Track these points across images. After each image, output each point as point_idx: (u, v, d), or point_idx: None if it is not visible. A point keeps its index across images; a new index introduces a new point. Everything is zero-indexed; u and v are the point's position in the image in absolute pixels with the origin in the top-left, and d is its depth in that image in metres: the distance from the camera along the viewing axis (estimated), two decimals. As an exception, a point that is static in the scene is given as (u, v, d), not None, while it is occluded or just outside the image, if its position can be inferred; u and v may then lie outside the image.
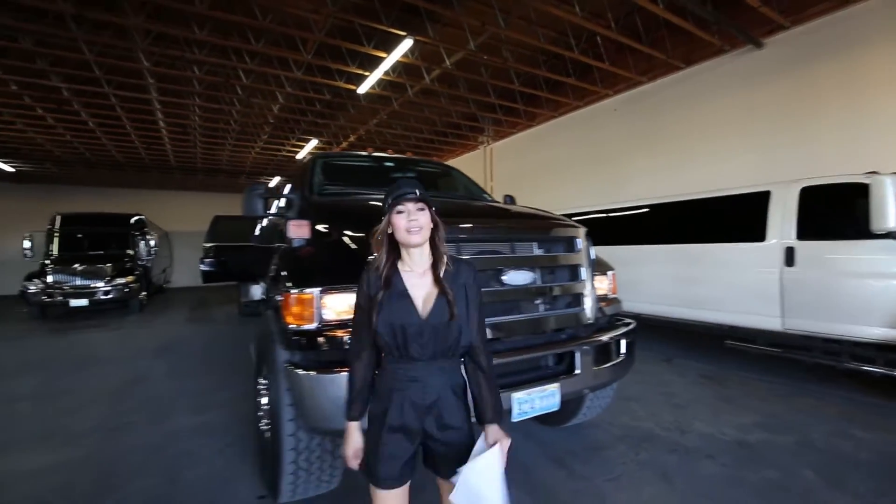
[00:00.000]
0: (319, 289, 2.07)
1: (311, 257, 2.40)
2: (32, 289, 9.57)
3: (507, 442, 1.40)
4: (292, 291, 2.09)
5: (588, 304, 2.60)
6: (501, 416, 1.47)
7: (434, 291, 1.38)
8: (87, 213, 12.28)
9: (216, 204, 20.27)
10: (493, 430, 1.42)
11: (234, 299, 13.17)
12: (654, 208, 6.13)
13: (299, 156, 14.06)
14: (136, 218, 12.34)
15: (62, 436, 3.43)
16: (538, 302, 2.44)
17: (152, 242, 12.49)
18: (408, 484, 1.43)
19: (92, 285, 9.98)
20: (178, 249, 18.10)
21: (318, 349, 2.03)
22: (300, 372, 1.96)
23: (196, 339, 7.39)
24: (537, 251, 2.56)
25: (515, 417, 2.17)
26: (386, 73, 8.02)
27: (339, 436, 1.91)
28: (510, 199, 3.95)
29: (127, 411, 3.94)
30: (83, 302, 9.82)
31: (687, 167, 8.03)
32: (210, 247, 8.71)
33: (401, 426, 1.37)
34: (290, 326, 2.08)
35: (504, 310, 2.33)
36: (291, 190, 3.70)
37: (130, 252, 11.57)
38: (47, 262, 10.17)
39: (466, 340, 1.40)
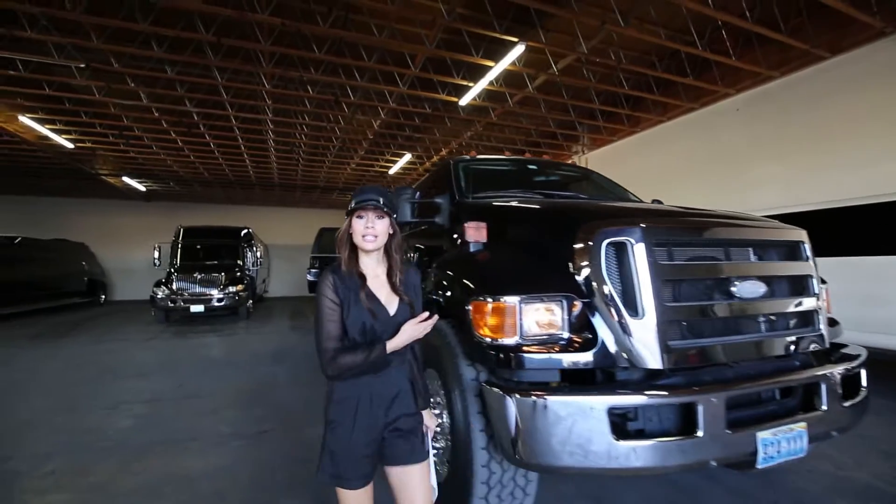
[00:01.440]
0: (520, 297, 1.79)
1: (498, 263, 2.13)
2: (160, 295, 10.52)
3: (434, 424, 1.66)
4: (488, 300, 1.83)
5: (822, 325, 2.09)
6: (427, 405, 1.63)
7: (393, 295, 1.52)
8: (204, 226, 13.45)
9: (311, 219, 21.55)
10: (426, 414, 1.61)
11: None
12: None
13: (392, 171, 14.40)
14: (245, 231, 13.28)
15: (205, 440, 3.47)
16: (767, 319, 1.98)
17: (259, 253, 13.36)
18: (372, 482, 1.48)
19: (208, 293, 10.79)
20: (274, 261, 19.30)
21: (520, 367, 1.74)
22: (500, 394, 1.68)
23: (304, 347, 7.57)
24: (754, 258, 2.10)
25: (760, 463, 1.71)
26: (490, 83, 7.87)
27: (547, 472, 1.61)
28: (658, 202, 3.49)
29: (261, 418, 3.94)
30: (200, 308, 10.63)
31: (830, 171, 6.93)
32: (316, 257, 9.08)
33: (370, 422, 1.44)
34: (485, 340, 1.82)
35: (729, 328, 1.91)
36: (427, 195, 3.55)
37: (240, 262, 12.43)
38: (172, 270, 11.19)
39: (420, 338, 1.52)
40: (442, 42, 6.91)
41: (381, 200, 1.46)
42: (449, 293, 2.21)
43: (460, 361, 1.96)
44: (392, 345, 1.44)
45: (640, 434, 1.71)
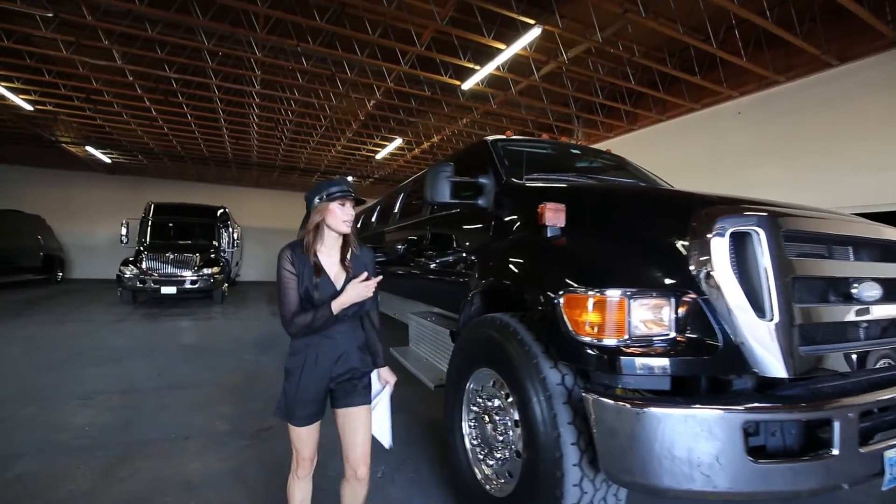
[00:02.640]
0: (629, 290, 1.52)
1: (589, 251, 1.84)
2: (128, 274, 9.78)
3: (393, 379, 1.94)
4: (588, 292, 1.55)
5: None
6: (384, 360, 1.94)
7: (342, 271, 1.76)
8: (178, 203, 12.65)
9: (287, 201, 20.84)
10: (384, 371, 1.93)
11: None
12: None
13: (379, 156, 13.91)
14: (222, 210, 12.56)
15: (201, 438, 3.08)
16: (888, 324, 1.79)
17: (235, 235, 12.67)
18: (319, 422, 1.76)
19: (180, 274, 10.12)
20: (246, 244, 18.49)
21: (626, 372, 1.48)
22: (615, 405, 1.41)
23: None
24: (880, 259, 1.91)
25: (887, 485, 1.52)
26: (497, 67, 7.56)
27: (661, 495, 1.37)
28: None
29: (259, 413, 3.57)
30: (172, 290, 9.95)
31: (836, 178, 7.00)
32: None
33: (316, 375, 1.71)
34: (582, 339, 1.55)
35: (851, 333, 1.71)
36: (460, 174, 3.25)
37: (215, 243, 11.75)
38: (142, 248, 10.44)
39: (368, 306, 1.81)
40: (451, 20, 6.54)
41: (353, 191, 1.75)
42: (521, 282, 1.92)
43: (542, 362, 1.69)
44: (337, 304, 1.67)
45: (764, 452, 1.48)
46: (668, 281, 1.59)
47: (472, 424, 2.16)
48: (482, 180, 2.75)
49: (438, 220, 3.48)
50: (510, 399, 1.89)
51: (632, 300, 1.52)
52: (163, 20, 6.82)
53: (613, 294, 1.52)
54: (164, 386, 4.25)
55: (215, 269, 10.58)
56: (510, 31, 6.74)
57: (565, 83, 8.91)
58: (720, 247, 1.54)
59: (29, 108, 10.29)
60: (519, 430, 1.81)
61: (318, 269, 1.71)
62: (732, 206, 1.65)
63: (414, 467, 2.76)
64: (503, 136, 3.33)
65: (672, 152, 9.92)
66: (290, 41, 7.05)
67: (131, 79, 8.75)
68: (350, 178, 18.03)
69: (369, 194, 22.42)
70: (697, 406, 1.37)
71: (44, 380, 4.28)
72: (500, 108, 10.03)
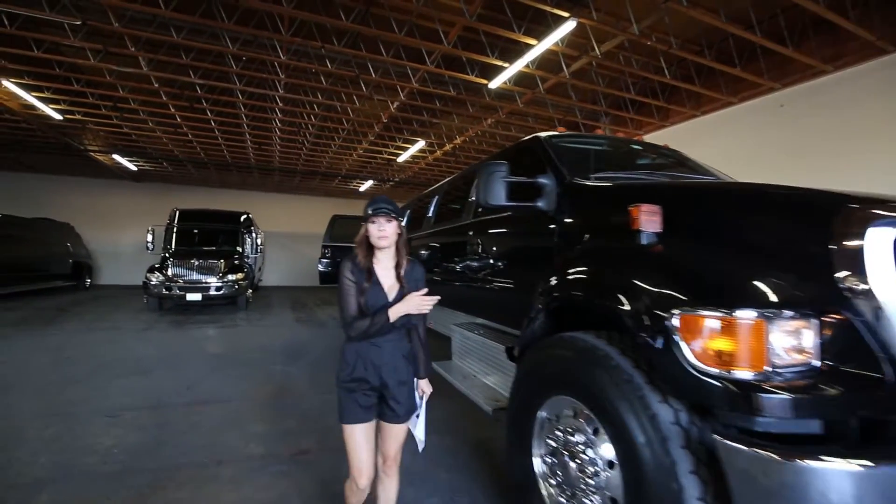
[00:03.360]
0: (769, 310, 1.24)
1: (700, 261, 1.55)
2: (154, 281, 9.78)
3: (429, 391, 2.05)
4: (713, 312, 1.27)
5: None
6: (430, 371, 2.06)
7: (396, 283, 1.89)
8: (202, 209, 12.70)
9: (308, 206, 20.90)
10: (423, 382, 2.02)
11: (334, 301, 13.00)
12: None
13: (401, 159, 13.74)
14: (245, 216, 12.54)
15: (235, 463, 2.87)
16: None
17: (259, 240, 12.65)
18: (370, 424, 1.87)
19: (205, 280, 10.08)
20: (268, 249, 18.54)
21: (771, 414, 1.19)
22: (767, 457, 1.12)
23: (316, 344, 6.95)
24: None
25: None
26: (527, 64, 7.28)
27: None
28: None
29: (295, 434, 3.35)
30: (197, 297, 9.93)
31: (888, 174, 6.51)
32: (329, 247, 8.44)
33: (362, 378, 1.83)
34: (707, 370, 1.26)
35: None
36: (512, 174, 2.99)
37: (239, 249, 11.72)
38: (167, 255, 10.45)
39: (415, 319, 1.93)
40: (479, 16, 6.29)
41: (389, 207, 1.83)
42: (609, 297, 1.64)
43: (648, 396, 1.41)
44: (394, 312, 1.79)
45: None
46: (809, 297, 1.29)
47: (548, 461, 1.88)
48: (542, 180, 2.47)
49: (486, 224, 3.21)
50: (600, 434, 1.61)
51: (772, 322, 1.23)
52: (188, 25, 6.76)
53: (747, 315, 1.24)
54: (193, 401, 4.08)
55: (240, 276, 10.53)
56: (541, 27, 6.46)
57: (594, 79, 8.56)
58: (881, 254, 1.24)
59: (58, 117, 10.42)
60: (615, 473, 1.53)
61: (370, 278, 1.84)
62: (890, 205, 1.34)
63: (471, 499, 2.50)
64: (556, 132, 3.05)
65: (707, 149, 9.42)
66: (314, 43, 6.90)
67: (156, 85, 8.75)
68: (370, 182, 17.95)
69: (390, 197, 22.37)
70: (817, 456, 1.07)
71: (71, 394, 4.16)
72: (525, 107, 9.73)
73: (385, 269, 1.88)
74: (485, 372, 3.05)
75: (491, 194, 2.44)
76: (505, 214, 2.89)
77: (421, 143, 12.19)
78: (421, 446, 2.03)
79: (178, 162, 15.51)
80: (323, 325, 8.92)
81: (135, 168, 16.13)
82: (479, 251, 3.30)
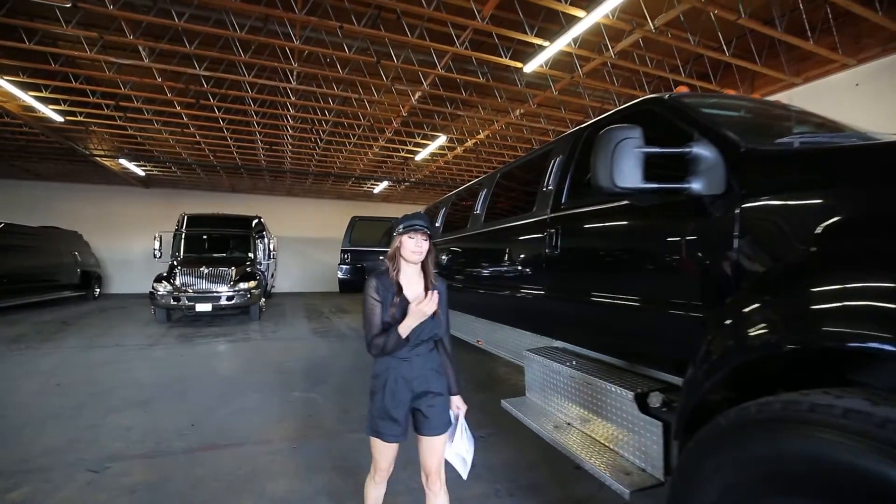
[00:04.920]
0: None
1: None
2: (161, 291, 9.12)
3: (464, 408, 2.00)
4: None
5: None
6: (461, 388, 2.01)
7: (422, 297, 1.80)
8: (211, 214, 12.06)
9: (319, 210, 20.25)
10: (455, 399, 1.97)
11: (353, 310, 12.28)
12: None
13: (420, 157, 12.96)
14: (257, 220, 11.87)
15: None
16: None
17: (272, 246, 11.97)
18: (399, 442, 1.86)
19: (215, 290, 9.40)
20: (280, 255, 17.90)
21: None
22: None
23: (339, 362, 6.19)
24: None
25: None
26: (569, 43, 6.45)
27: None
28: None
29: (326, 493, 2.57)
30: (207, 307, 9.25)
31: None
32: (348, 251, 7.69)
33: (396, 395, 1.81)
34: None
35: None
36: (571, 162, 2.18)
37: (251, 255, 11.04)
38: (175, 263, 9.79)
39: (441, 333, 1.91)
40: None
41: (426, 226, 1.86)
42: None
43: None
44: (404, 327, 1.77)
45: None
46: None
47: None
48: (698, 150, 1.65)
49: (582, 218, 2.40)
50: None
51: None
52: (189, 9, 6.06)
53: None
54: (198, 444, 3.32)
55: (252, 284, 9.84)
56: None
57: (640, 59, 7.69)
58: None
59: (59, 118, 9.83)
60: None
61: (399, 290, 1.83)
62: None
63: None
64: (683, 93, 2.24)
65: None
66: (331, 23, 6.15)
67: (159, 80, 8.07)
68: (385, 184, 17.22)
69: (403, 199, 21.66)
70: None
71: (53, 435, 3.42)
72: (560, 96, 8.88)
73: (410, 283, 1.90)
74: (585, 419, 2.23)
75: (619, 172, 1.64)
76: (619, 204, 2.08)
77: (442, 139, 11.39)
78: (465, 472, 1.97)
79: (186, 166, 14.92)
80: (343, 338, 8.16)
81: (143, 173, 15.59)
82: (563, 255, 2.49)
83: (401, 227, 1.85)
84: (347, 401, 4.41)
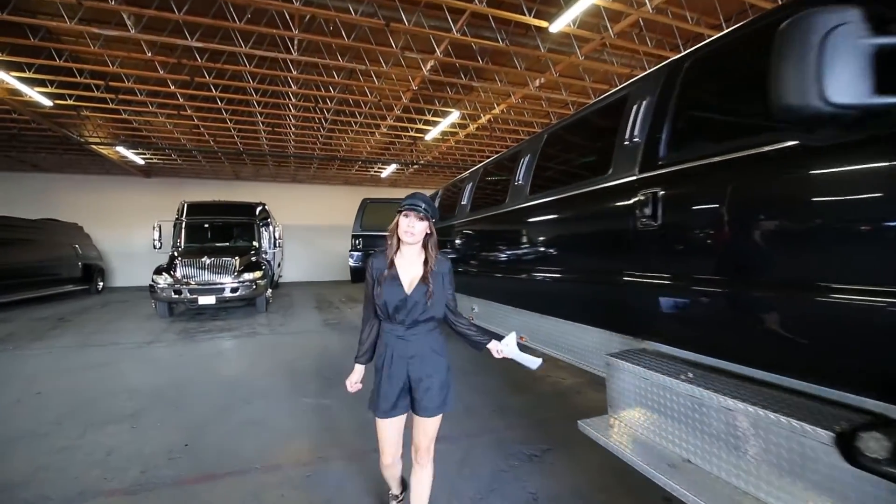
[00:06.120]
0: None
1: None
2: (161, 284, 8.56)
3: (497, 346, 2.00)
4: None
5: None
6: (489, 338, 2.00)
7: (418, 277, 1.87)
8: (213, 201, 11.45)
9: (327, 197, 19.60)
10: (492, 344, 1.99)
11: (363, 299, 11.67)
12: None
13: (430, 136, 12.20)
14: (261, 206, 11.25)
15: None
16: None
17: (277, 233, 11.37)
18: (401, 417, 1.93)
19: (219, 281, 8.83)
20: (286, 243, 17.33)
21: None
22: None
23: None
24: None
25: None
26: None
27: None
28: None
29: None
30: (210, 300, 8.69)
31: None
32: (360, 236, 7.05)
33: (391, 372, 1.87)
34: None
35: None
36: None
37: (256, 244, 10.45)
38: (176, 254, 9.22)
39: (439, 314, 1.90)
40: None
41: (424, 206, 1.85)
42: None
43: None
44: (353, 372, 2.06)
45: None
46: None
47: None
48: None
49: (706, 175, 1.70)
50: None
51: None
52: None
53: None
54: (191, 472, 2.72)
55: (257, 274, 9.25)
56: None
57: (676, 16, 6.86)
58: None
59: (48, 102, 9.18)
60: None
61: (390, 268, 1.87)
62: None
63: None
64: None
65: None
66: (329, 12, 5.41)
67: (150, 55, 7.39)
68: (392, 167, 16.50)
69: (410, 184, 20.92)
70: None
71: (18, 460, 2.85)
72: (586, 62, 8.06)
73: (408, 263, 1.90)
74: (717, 457, 1.57)
75: (833, 78, 0.97)
76: (775, 148, 1.39)
77: (455, 115, 10.60)
78: (536, 364, 1.96)
79: (187, 153, 14.28)
80: (356, 329, 7.55)
81: (142, 162, 14.98)
82: (668, 228, 1.82)
83: (401, 205, 1.88)
84: (365, 408, 3.80)
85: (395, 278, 1.85)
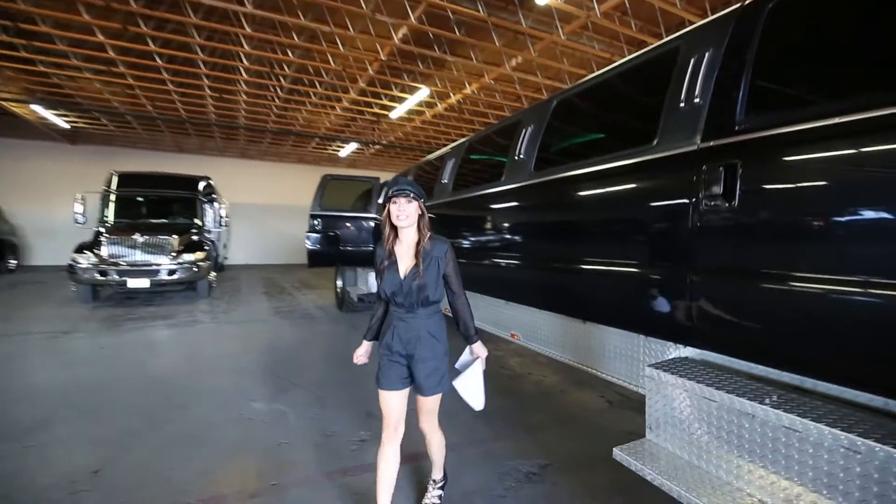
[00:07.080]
0: None
1: None
2: (84, 264, 7.46)
3: (485, 352, 2.07)
4: None
5: None
6: (478, 336, 2.08)
7: (413, 261, 1.91)
8: (149, 172, 10.24)
9: (280, 175, 18.37)
10: (476, 345, 2.07)
11: (319, 285, 10.95)
12: None
13: (395, 113, 11.49)
14: (205, 181, 10.17)
15: None
16: None
17: (223, 211, 10.36)
18: (404, 391, 1.97)
19: (154, 262, 7.83)
20: (233, 223, 16.08)
21: None
22: None
23: (310, 352, 5.00)
24: None
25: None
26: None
27: None
28: None
29: None
30: (143, 283, 7.69)
31: None
32: (319, 216, 6.35)
33: (393, 350, 1.95)
34: None
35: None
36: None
37: (198, 222, 9.42)
38: (103, 230, 8.09)
39: (434, 297, 1.92)
40: None
41: (410, 189, 1.87)
42: None
43: None
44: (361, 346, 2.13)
45: None
46: None
47: None
48: None
49: (829, 140, 1.29)
50: None
51: None
52: None
53: None
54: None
55: (199, 255, 8.31)
56: None
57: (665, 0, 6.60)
58: None
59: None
60: None
61: (390, 256, 1.94)
62: None
63: None
64: None
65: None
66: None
67: (70, -8, 6.24)
68: (353, 146, 15.61)
69: (370, 164, 20.02)
70: None
71: None
72: (567, 40, 7.66)
73: (407, 247, 1.94)
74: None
75: None
76: None
77: (425, 91, 9.96)
78: (478, 407, 2.00)
79: (119, 117, 12.75)
80: (311, 319, 6.91)
81: (66, 125, 13.23)
82: (751, 208, 1.41)
83: (388, 192, 1.91)
84: (328, 414, 3.25)
85: (394, 264, 1.93)
